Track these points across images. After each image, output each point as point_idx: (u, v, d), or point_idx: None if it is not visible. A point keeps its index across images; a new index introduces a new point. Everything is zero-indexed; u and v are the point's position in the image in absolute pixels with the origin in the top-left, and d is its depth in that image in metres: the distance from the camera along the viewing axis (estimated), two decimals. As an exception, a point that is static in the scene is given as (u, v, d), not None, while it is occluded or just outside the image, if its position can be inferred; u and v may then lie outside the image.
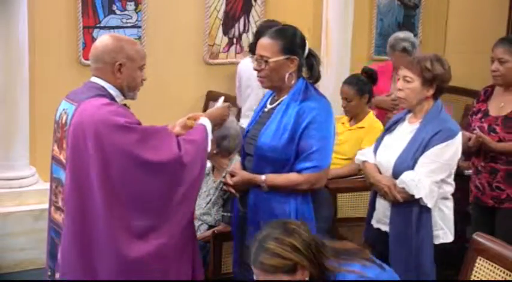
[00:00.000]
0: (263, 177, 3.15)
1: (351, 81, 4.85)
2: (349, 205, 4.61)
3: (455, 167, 3.39)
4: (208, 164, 4.14)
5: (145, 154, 2.92)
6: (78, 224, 2.99)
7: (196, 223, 3.96)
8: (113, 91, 3.07)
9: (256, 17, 6.07)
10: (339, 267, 2.47)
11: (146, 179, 2.94)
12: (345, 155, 4.78)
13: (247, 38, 6.04)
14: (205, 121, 3.19)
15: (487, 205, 3.91)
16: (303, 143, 3.10)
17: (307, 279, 2.41)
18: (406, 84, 3.35)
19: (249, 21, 6.06)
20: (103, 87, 3.06)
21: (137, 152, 2.90)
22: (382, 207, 3.44)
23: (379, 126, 4.82)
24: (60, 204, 3.09)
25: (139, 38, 5.52)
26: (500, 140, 3.82)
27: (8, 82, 4.75)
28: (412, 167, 3.27)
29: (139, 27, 5.59)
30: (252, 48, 5.23)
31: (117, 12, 5.52)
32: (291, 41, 3.14)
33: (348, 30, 6.03)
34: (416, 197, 3.23)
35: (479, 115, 3.94)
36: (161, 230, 3.01)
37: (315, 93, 3.20)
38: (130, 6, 5.56)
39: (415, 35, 6.74)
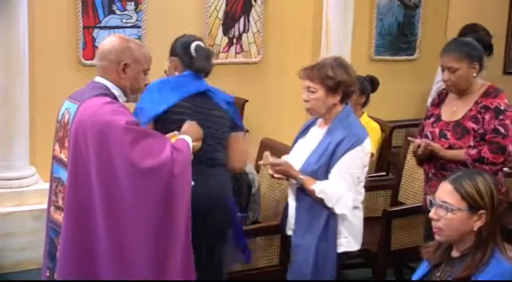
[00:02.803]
0: None
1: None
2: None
3: (364, 175, 3.38)
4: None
5: (137, 158, 2.91)
6: (77, 225, 2.98)
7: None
8: (116, 91, 3.08)
9: (256, 17, 6.07)
10: (504, 249, 2.50)
11: (138, 183, 2.93)
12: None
13: (247, 38, 6.05)
14: (185, 137, 3.20)
15: None
16: None
17: (474, 229, 2.47)
18: (310, 95, 3.31)
19: (249, 21, 6.06)
20: (106, 87, 3.06)
21: (129, 155, 2.90)
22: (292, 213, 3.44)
23: (375, 125, 4.86)
24: (60, 203, 3.09)
25: (139, 38, 5.52)
26: (450, 147, 3.65)
27: (8, 82, 4.75)
28: (317, 172, 3.26)
29: (139, 27, 5.59)
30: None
31: (117, 12, 5.52)
32: (173, 46, 3.71)
33: (348, 30, 6.03)
34: (338, 212, 3.26)
35: (432, 119, 3.78)
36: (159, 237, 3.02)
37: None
38: (130, 6, 5.56)
39: (415, 35, 6.76)
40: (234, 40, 6.04)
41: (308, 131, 3.49)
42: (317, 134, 3.41)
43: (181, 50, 3.61)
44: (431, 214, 2.54)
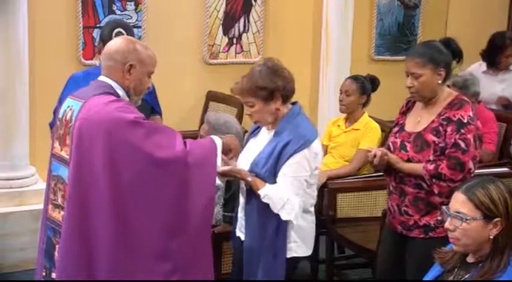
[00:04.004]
0: None
1: (356, 77, 4.93)
2: (349, 205, 4.62)
3: (315, 178, 3.25)
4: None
5: (151, 150, 2.92)
6: (77, 223, 2.98)
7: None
8: (120, 91, 3.08)
9: (256, 17, 6.07)
10: None
11: (152, 176, 2.93)
12: (343, 156, 4.81)
13: (247, 38, 6.05)
14: (215, 138, 3.18)
15: (396, 231, 3.48)
16: None
17: (491, 237, 2.48)
18: (251, 109, 3.21)
19: (249, 21, 6.06)
20: (111, 86, 3.07)
21: (143, 147, 2.91)
22: (242, 214, 3.34)
23: (375, 125, 4.86)
24: (59, 201, 3.09)
25: (140, 38, 5.51)
26: (409, 160, 3.38)
27: (8, 82, 4.75)
28: (264, 176, 3.15)
29: (139, 27, 5.59)
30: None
31: (117, 12, 5.52)
32: (101, 31, 3.75)
33: (348, 30, 6.04)
34: (284, 218, 3.12)
35: (396, 129, 3.53)
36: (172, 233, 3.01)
37: None
38: (130, 6, 5.56)
39: (415, 35, 6.77)
40: (234, 40, 6.04)
41: (260, 131, 3.38)
42: (266, 136, 3.29)
43: (107, 36, 3.48)
44: (447, 224, 2.53)
